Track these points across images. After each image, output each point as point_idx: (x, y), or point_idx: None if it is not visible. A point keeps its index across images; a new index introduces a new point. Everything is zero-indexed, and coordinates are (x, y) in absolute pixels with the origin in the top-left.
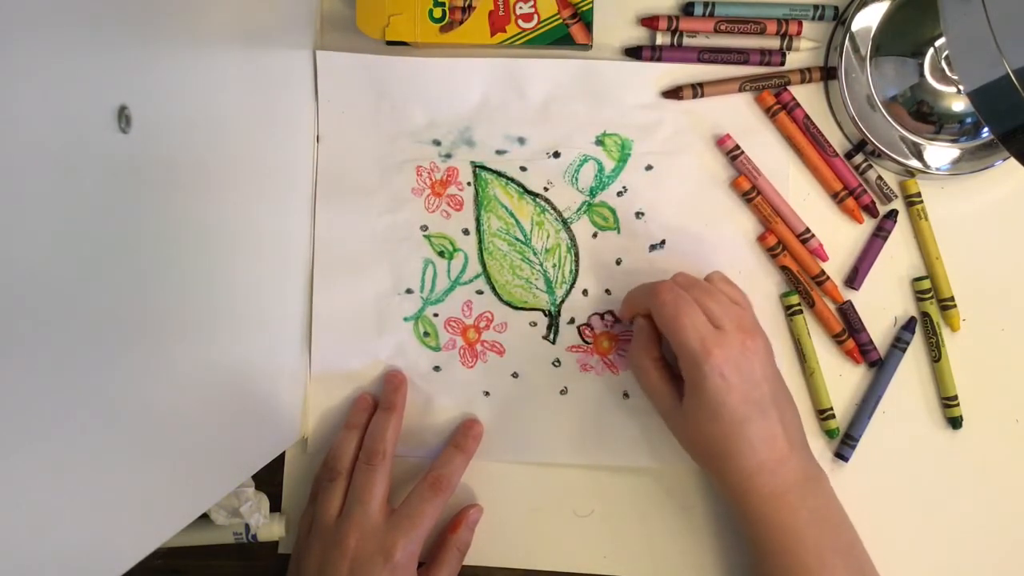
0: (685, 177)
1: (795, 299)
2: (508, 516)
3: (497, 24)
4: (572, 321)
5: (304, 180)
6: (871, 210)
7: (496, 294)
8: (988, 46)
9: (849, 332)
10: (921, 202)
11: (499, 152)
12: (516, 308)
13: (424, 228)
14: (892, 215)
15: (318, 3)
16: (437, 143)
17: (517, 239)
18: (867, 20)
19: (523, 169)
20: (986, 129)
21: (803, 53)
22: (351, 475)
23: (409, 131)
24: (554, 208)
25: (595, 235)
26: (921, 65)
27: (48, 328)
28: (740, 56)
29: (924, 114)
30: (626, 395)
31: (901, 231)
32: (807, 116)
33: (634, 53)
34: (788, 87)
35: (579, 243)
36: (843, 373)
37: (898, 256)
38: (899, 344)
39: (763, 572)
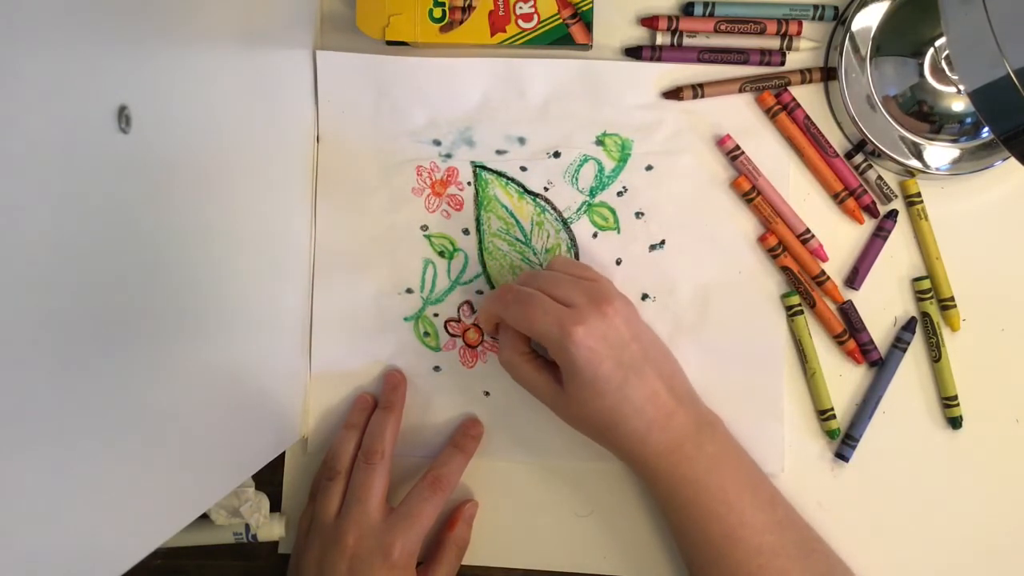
0: (685, 177)
1: (796, 299)
2: (508, 516)
3: (497, 24)
4: None
5: (304, 180)
6: (871, 210)
7: None
8: (989, 46)
9: (850, 332)
10: (921, 202)
11: (499, 152)
12: None
13: (424, 228)
14: (892, 215)
15: (318, 3)
16: (437, 143)
17: (517, 239)
18: (867, 20)
19: (523, 169)
20: (986, 129)
21: (803, 53)
22: (350, 474)
23: (409, 131)
24: (554, 208)
25: (595, 235)
26: (921, 65)
27: (47, 328)
28: (740, 56)
29: (924, 114)
30: None
31: (901, 231)
32: (807, 116)
33: (634, 53)
34: (788, 87)
35: (579, 243)
36: (843, 373)
37: (898, 256)
38: (899, 344)
39: (677, 530)
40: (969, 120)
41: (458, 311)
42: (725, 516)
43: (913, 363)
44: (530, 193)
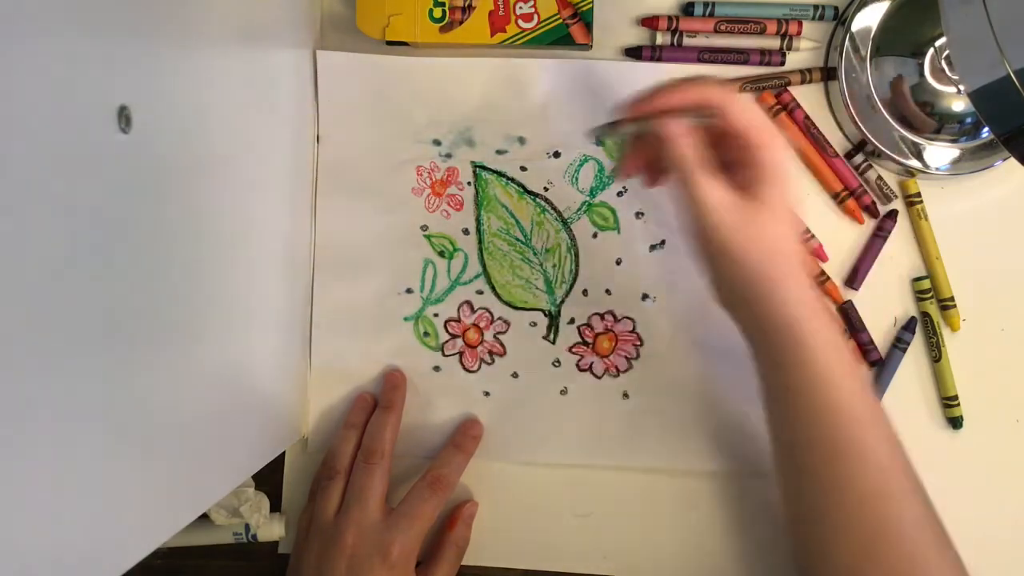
0: None
1: None
2: (508, 516)
3: (497, 24)
4: (572, 321)
5: (304, 180)
6: (871, 210)
7: (496, 294)
8: (989, 46)
9: (850, 332)
10: (921, 202)
11: (499, 152)
12: (516, 308)
13: (424, 228)
14: (892, 215)
15: (318, 3)
16: (437, 143)
17: (517, 239)
18: (867, 20)
19: (523, 169)
20: (986, 129)
21: (803, 53)
22: (350, 474)
23: (409, 131)
24: (554, 208)
25: (595, 235)
26: (921, 65)
27: (47, 328)
28: (740, 56)
29: (924, 114)
30: (625, 395)
31: (901, 231)
32: (807, 116)
33: (634, 53)
34: (788, 87)
35: (579, 243)
36: None
37: (898, 256)
38: (899, 344)
39: (778, 386)
40: (969, 120)
41: (458, 311)
42: (837, 385)
43: (913, 363)
44: (530, 193)
